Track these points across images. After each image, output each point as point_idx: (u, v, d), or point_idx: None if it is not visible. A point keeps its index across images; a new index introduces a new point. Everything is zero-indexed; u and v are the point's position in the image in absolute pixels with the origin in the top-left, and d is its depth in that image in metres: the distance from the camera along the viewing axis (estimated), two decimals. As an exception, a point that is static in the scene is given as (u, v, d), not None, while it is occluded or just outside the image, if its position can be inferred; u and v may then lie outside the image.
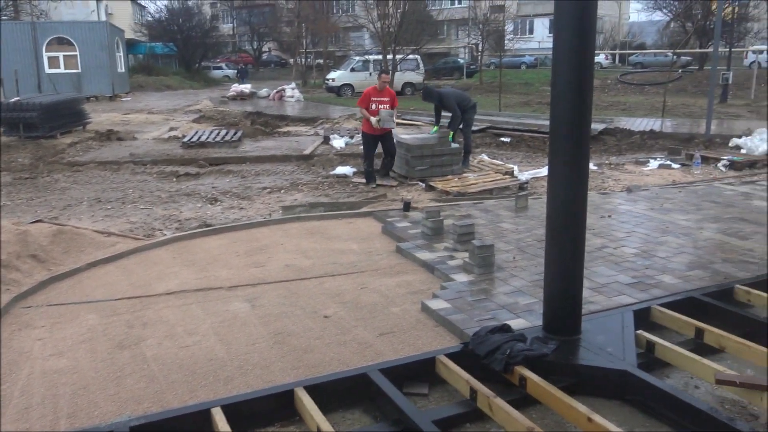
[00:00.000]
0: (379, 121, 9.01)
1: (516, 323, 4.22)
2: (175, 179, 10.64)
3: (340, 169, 10.74)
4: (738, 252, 5.84)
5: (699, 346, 3.88)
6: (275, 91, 28.87)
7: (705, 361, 3.46)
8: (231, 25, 58.11)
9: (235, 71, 41.93)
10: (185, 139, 14.11)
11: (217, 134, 14.70)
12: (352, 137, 14.60)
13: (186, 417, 3.06)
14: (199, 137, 14.29)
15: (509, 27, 41.08)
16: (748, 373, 3.63)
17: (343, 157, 12.33)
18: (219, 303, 4.97)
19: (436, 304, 4.68)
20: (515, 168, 10.27)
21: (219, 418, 3.00)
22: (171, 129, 17.00)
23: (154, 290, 5.27)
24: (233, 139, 14.22)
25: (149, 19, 49.91)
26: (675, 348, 3.63)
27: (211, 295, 5.14)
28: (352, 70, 30.24)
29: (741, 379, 3.20)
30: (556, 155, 3.66)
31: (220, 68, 47.95)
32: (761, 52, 33.39)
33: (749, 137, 12.86)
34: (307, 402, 3.15)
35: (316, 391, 3.27)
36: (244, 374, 3.81)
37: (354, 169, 10.75)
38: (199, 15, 48.76)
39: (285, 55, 55.57)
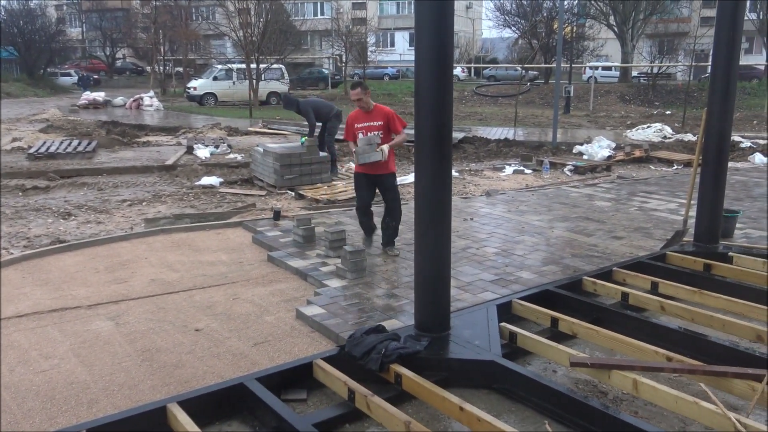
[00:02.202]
0: (356, 154, 6.04)
1: (390, 324, 4.34)
2: (21, 193, 9.76)
3: (206, 180, 10.42)
4: (584, 247, 6.41)
5: (555, 333, 4.22)
6: (132, 99, 27.37)
7: (560, 347, 3.77)
8: (80, 29, 54.30)
9: (76, 78, 37.71)
10: (32, 151, 13.00)
11: (69, 145, 13.69)
12: (217, 147, 14.21)
13: (46, 445, 2.83)
14: (48, 148, 13.23)
15: (371, 39, 42.08)
16: (597, 355, 4.00)
17: (209, 168, 11.97)
18: (78, 323, 4.65)
19: (311, 311, 4.70)
20: (382, 175, 10.50)
21: (85, 442, 2.81)
22: (14, 140, 15.55)
23: (3, 314, 4.81)
24: (87, 149, 13.31)
25: (-17, 19, 45.37)
26: (534, 337, 3.92)
27: (68, 315, 4.79)
28: (215, 78, 29.43)
29: (591, 361, 3.53)
30: (421, 162, 3.82)
31: (68, 75, 44.52)
32: (597, 68, 36.77)
33: (590, 144, 14.15)
34: (181, 418, 3.04)
35: (191, 405, 3.16)
36: (110, 395, 3.60)
37: (221, 180, 10.48)
38: (43, 17, 45.03)
39: (141, 63, 52.86)
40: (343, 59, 36.83)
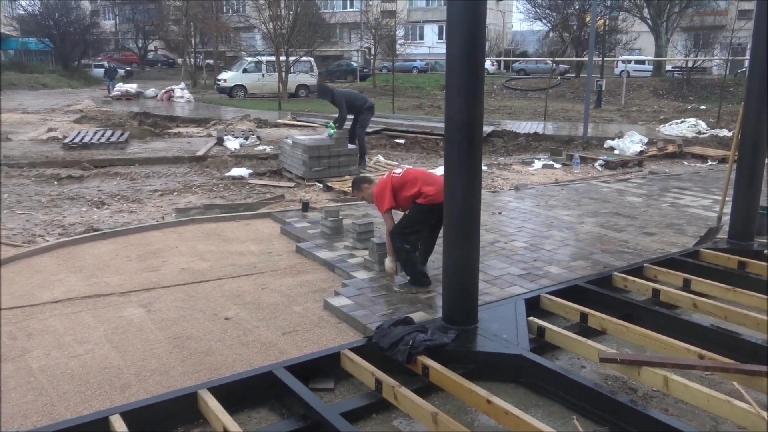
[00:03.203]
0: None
1: (417, 316, 4.35)
2: (56, 182, 9.98)
3: (236, 171, 10.53)
4: (615, 243, 6.33)
5: (584, 329, 4.18)
6: (163, 91, 27.75)
7: (590, 342, 3.74)
8: (113, 21, 55.13)
9: (103, 71, 36.96)
10: (66, 140, 13.27)
11: (102, 135, 13.94)
12: (246, 138, 14.34)
13: (82, 427, 2.90)
14: (82, 138, 13.49)
15: (400, 32, 41.95)
16: (627, 351, 3.96)
17: (238, 159, 12.09)
18: (111, 309, 4.75)
19: (338, 301, 4.73)
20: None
21: (119, 425, 2.88)
22: (50, 130, 15.89)
23: (39, 299, 4.94)
24: (120, 140, 13.54)
25: (21, 12, 46.34)
26: (563, 332, 3.89)
27: (102, 302, 4.90)
28: (245, 71, 29.66)
29: (621, 357, 3.49)
30: (450, 155, 3.80)
31: (102, 66, 45.27)
32: (629, 61, 36.17)
33: (621, 139, 13.94)
34: (212, 403, 3.09)
35: (221, 392, 3.21)
36: (142, 381, 3.68)
37: (250, 171, 10.58)
38: (78, 10, 45.83)
39: (173, 55, 53.46)
40: (372, 52, 36.80)
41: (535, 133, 16.00)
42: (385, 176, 5.24)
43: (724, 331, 3.98)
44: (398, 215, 5.22)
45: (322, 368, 3.62)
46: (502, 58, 49.02)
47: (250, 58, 31.28)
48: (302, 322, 4.53)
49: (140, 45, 52.28)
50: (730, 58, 23.60)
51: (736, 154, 5.88)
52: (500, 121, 19.14)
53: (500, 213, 7.67)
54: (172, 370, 3.82)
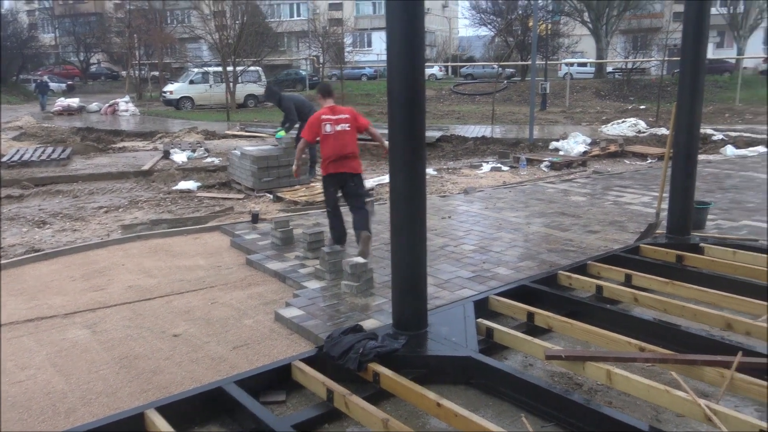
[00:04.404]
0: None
1: (368, 323, 4.37)
2: (-7, 203, 9.63)
3: (183, 184, 10.37)
4: (560, 242, 6.49)
5: (531, 328, 4.27)
6: (107, 105, 27.08)
7: (536, 340, 3.83)
8: (53, 35, 53.56)
9: (33, 86, 35.46)
10: (5, 159, 12.82)
11: (43, 152, 13.52)
12: (194, 151, 14.13)
13: (22, 455, 2.81)
14: (21, 156, 13.06)
15: (348, 40, 42.03)
16: (572, 348, 4.06)
17: (186, 172, 11.89)
18: (54, 332, 4.61)
19: (290, 313, 4.71)
20: (361, 176, 10.54)
21: (61, 451, 2.80)
22: (-14, 148, 15.31)
23: (-24, 325, 4.76)
24: (62, 156, 13.17)
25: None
26: (510, 332, 3.97)
27: (44, 325, 4.75)
28: (191, 82, 29.21)
29: (566, 354, 3.59)
30: (395, 161, 3.85)
31: (37, 81, 43.82)
32: (572, 64, 37.12)
33: (566, 140, 14.31)
34: (159, 423, 3.03)
35: (169, 411, 3.16)
36: (87, 404, 3.58)
37: (198, 184, 10.43)
38: (15, 23, 44.36)
39: (116, 67, 52.29)
40: (321, 60, 36.77)
41: (483, 137, 16.27)
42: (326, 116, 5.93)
43: (663, 324, 4.12)
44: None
45: (273, 381, 3.60)
46: (449, 63, 49.63)
47: (196, 69, 30.84)
48: (253, 335, 4.49)
49: (82, 58, 50.94)
50: (666, 59, 24.51)
51: (671, 151, 6.12)
52: (449, 125, 19.38)
53: (450, 217, 7.77)
54: (119, 391, 3.74)
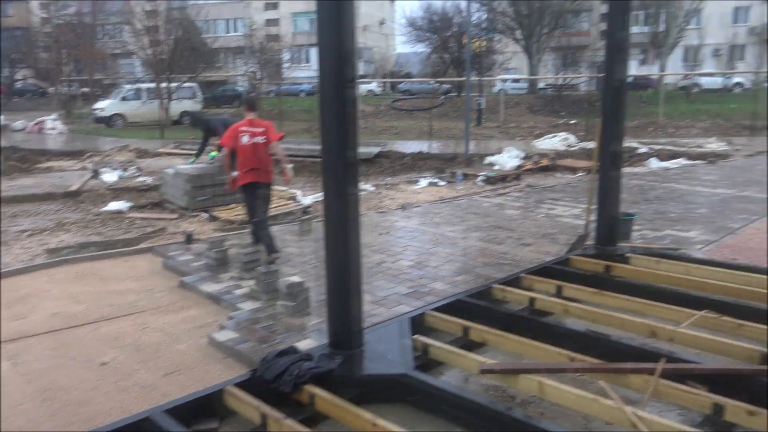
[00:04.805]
0: None
1: (304, 344, 4.33)
2: None
3: (114, 205, 10.03)
4: (495, 256, 6.62)
5: (466, 342, 4.31)
6: (33, 123, 25.98)
7: (471, 355, 3.87)
8: (-27, 49, 51.08)
9: None
10: None
11: (-40, 174, 12.84)
12: (125, 170, 13.71)
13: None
14: (-63, 178, 12.36)
15: (286, 55, 41.95)
16: (506, 360, 4.13)
17: (116, 192, 11.51)
18: (-30, 365, 4.35)
19: (224, 336, 4.62)
20: (298, 193, 10.49)
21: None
22: None
23: None
24: (-19, 178, 12.52)
25: None
26: (446, 347, 4.00)
27: (-41, 358, 4.48)
28: (124, 99, 28.40)
29: (499, 367, 3.64)
30: (328, 177, 3.84)
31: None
32: (506, 80, 38.14)
33: (500, 155, 14.64)
34: (83, 458, 2.90)
35: (94, 444, 3.03)
36: (5, 441, 3.40)
37: (129, 204, 10.11)
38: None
39: (44, 83, 50.28)
40: (258, 76, 36.47)
41: (421, 152, 16.45)
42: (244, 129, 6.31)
43: (593, 333, 4.25)
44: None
45: (205, 408, 3.50)
46: (387, 79, 50.14)
47: (129, 86, 30.01)
48: (186, 360, 4.37)
49: (6, 74, 48.73)
50: (594, 75, 25.52)
51: (598, 164, 6.34)
52: (387, 141, 19.50)
53: (387, 233, 7.80)
54: (41, 426, 3.56)
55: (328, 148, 3.77)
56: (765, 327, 4.09)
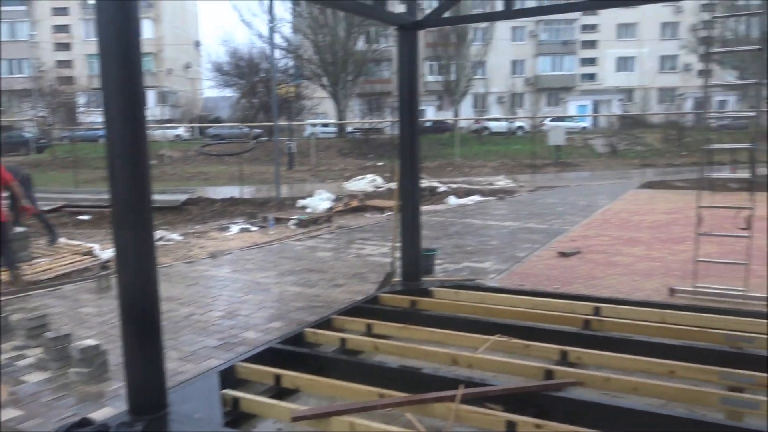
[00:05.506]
0: None
1: (102, 413, 3.97)
2: None
3: None
4: (308, 299, 6.65)
5: (279, 390, 4.25)
6: None
7: (282, 403, 3.81)
8: None
9: None
10: None
11: None
12: None
13: None
14: None
15: (81, 99, 39.11)
16: (319, 404, 4.12)
17: None
18: None
19: (5, 415, 4.06)
20: (96, 246, 9.70)
21: None
22: None
23: None
24: None
25: None
26: (256, 398, 3.90)
27: None
28: None
29: (311, 412, 3.63)
30: (119, 227, 3.58)
31: None
32: (316, 124, 39.13)
33: (311, 198, 14.88)
34: None
35: None
36: None
37: None
38: None
39: None
40: (49, 121, 33.45)
41: (232, 198, 16.18)
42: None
43: (401, 368, 4.42)
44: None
45: (-24, 503, 3.03)
46: (195, 124, 48.78)
47: None
48: (-47, 450, 3.76)
49: None
50: (395, 120, 27.14)
51: (399, 204, 6.70)
52: (196, 188, 18.90)
53: (197, 283, 7.49)
54: None
55: (119, 190, 3.52)
56: (548, 345, 4.57)
